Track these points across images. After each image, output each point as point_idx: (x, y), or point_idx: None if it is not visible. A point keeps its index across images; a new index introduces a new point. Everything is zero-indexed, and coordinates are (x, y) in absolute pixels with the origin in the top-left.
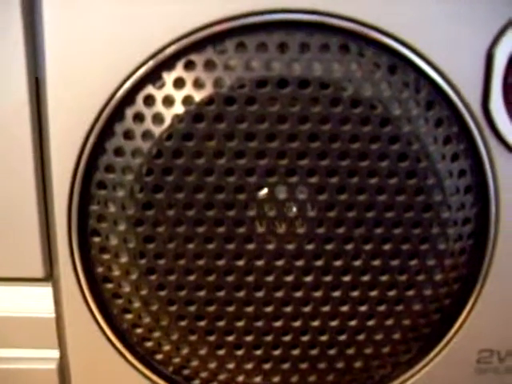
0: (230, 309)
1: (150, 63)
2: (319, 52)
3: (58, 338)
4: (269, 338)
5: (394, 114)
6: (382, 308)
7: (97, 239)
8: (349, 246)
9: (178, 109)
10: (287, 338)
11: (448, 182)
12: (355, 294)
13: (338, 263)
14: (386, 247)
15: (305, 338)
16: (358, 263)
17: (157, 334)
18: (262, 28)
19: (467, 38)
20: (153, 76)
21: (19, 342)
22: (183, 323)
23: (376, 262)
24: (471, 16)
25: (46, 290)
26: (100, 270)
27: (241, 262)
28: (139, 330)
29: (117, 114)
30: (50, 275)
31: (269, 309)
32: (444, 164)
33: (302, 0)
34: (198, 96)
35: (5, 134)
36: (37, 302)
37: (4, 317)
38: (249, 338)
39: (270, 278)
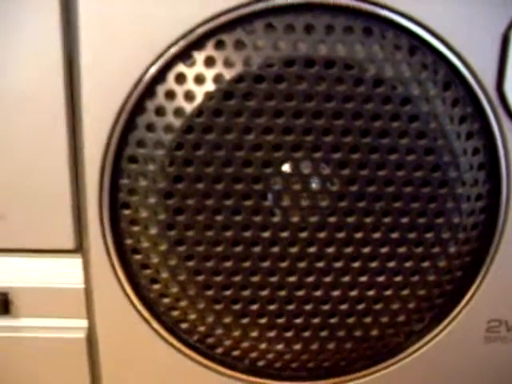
0: (255, 279)
1: (181, 42)
2: (343, 34)
3: (87, 308)
4: (291, 307)
5: (413, 93)
6: (398, 278)
7: (127, 212)
8: (369, 219)
9: (209, 86)
10: (308, 307)
11: (463, 160)
12: (374, 264)
13: (358, 235)
14: (404, 220)
15: (325, 307)
16: (377, 236)
17: (183, 304)
18: (290, 10)
19: (483, 21)
20: (184, 55)
21: (49, 311)
22: (210, 292)
23: (394, 235)
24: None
25: (76, 262)
26: (129, 241)
27: (266, 234)
28: (166, 300)
29: (148, 91)
30: (80, 247)
31: (292, 279)
32: (459, 142)
33: None
34: (228, 74)
35: (39, 111)
36: (66, 272)
37: (34, 287)
38: (272, 307)
39: (293, 250)
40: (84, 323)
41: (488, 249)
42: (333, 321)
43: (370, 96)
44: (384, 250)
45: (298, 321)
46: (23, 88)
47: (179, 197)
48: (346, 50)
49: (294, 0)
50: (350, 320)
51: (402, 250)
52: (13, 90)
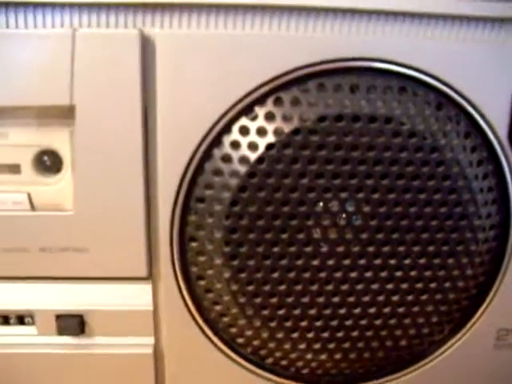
0: (304, 300)
1: (246, 99)
2: (383, 93)
3: (154, 327)
4: (334, 323)
5: (440, 143)
6: (424, 297)
7: (194, 244)
8: (401, 248)
9: (270, 138)
10: (348, 323)
11: (479, 197)
12: (404, 286)
13: (392, 262)
14: (430, 249)
15: (362, 322)
16: (407, 262)
17: (241, 322)
18: (338, 72)
19: (497, 78)
20: (247, 110)
21: (120, 331)
22: (265, 312)
23: (421, 261)
24: (500, 61)
25: (146, 287)
26: (195, 269)
27: (315, 262)
28: (226, 319)
29: (216, 141)
30: (151, 274)
31: (335, 299)
32: (477, 182)
33: (368, 50)
34: (287, 128)
35: (119, 157)
36: (137, 296)
37: (107, 310)
38: (318, 323)
39: (337, 275)
40: (151, 340)
41: (498, 270)
42: (368, 333)
43: (405, 146)
44: (413, 273)
45: (339, 334)
46: (104, 134)
47: (242, 232)
48: (385, 106)
49: (341, 64)
50: (383, 332)
51: (427, 273)
52: (97, 137)
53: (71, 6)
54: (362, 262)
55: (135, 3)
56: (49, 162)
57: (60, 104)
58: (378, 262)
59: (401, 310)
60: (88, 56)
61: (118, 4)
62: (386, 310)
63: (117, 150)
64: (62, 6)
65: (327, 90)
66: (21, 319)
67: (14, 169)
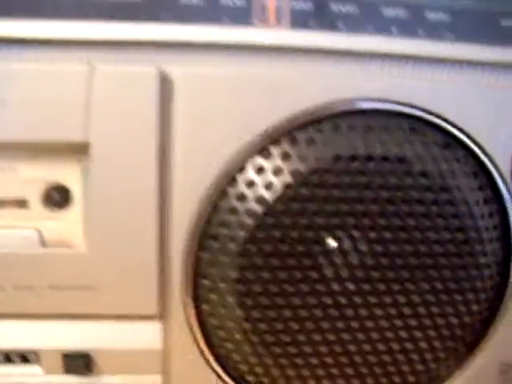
0: (316, 337)
1: (261, 139)
2: (394, 133)
3: (164, 366)
4: (344, 360)
5: (449, 183)
6: (432, 333)
7: (206, 282)
8: (412, 286)
9: (287, 178)
10: (358, 359)
11: (485, 235)
12: (413, 322)
13: (402, 300)
14: (438, 286)
15: (371, 359)
16: (417, 299)
17: (252, 360)
18: (352, 113)
19: (503, 121)
20: (262, 149)
21: (127, 369)
22: (277, 349)
23: (430, 297)
24: (506, 105)
25: (156, 325)
26: (206, 307)
27: (327, 300)
28: (237, 357)
29: (230, 179)
30: (161, 312)
31: (346, 336)
32: (483, 221)
33: (379, 92)
34: (304, 168)
35: (133, 194)
36: (146, 335)
37: (115, 349)
38: (328, 360)
39: (348, 312)
40: (160, 379)
41: (500, 306)
42: (377, 370)
43: (416, 186)
44: (421, 310)
45: (348, 370)
46: (119, 172)
47: (255, 270)
48: (397, 147)
49: (355, 106)
50: (391, 368)
51: (436, 309)
52: (112, 175)
53: (90, 43)
54: (373, 299)
55: (154, 41)
56: (58, 197)
57: (74, 141)
58: (387, 299)
59: (409, 345)
60: (105, 93)
61: (137, 42)
62: (395, 346)
63: (131, 188)
64: (80, 42)
65: (342, 130)
66: (25, 358)
67: (22, 203)
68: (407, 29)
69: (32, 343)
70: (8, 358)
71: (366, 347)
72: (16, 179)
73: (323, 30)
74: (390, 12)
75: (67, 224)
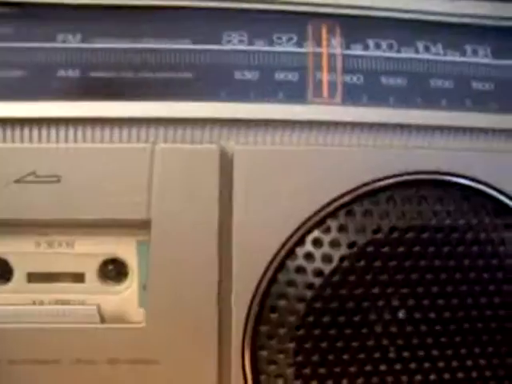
0: None
1: (319, 213)
2: (447, 203)
3: None
4: None
5: (499, 250)
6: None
7: (264, 353)
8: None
9: (344, 250)
10: None
11: None
12: (469, 363)
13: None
14: (479, 325)
15: None
16: (471, 338)
17: None
18: (406, 185)
19: None
20: (320, 222)
21: None
22: None
23: (477, 350)
24: None
25: None
26: (264, 378)
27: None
28: None
29: (290, 252)
30: None
31: None
32: None
33: (430, 163)
34: (360, 240)
35: (193, 269)
36: None
37: None
38: None
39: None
40: None
41: None
42: None
43: (468, 253)
44: (469, 362)
45: None
46: (180, 248)
47: (312, 341)
48: (450, 217)
49: (408, 178)
50: None
51: (482, 361)
52: (172, 251)
53: (149, 121)
54: (421, 353)
55: (213, 119)
56: (114, 271)
57: (136, 218)
58: (436, 353)
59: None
60: (166, 170)
61: (196, 119)
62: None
63: (191, 262)
64: (140, 120)
65: (396, 202)
66: None
67: (79, 278)
68: (455, 99)
69: None
70: None
71: None
72: (73, 254)
73: (374, 105)
74: (438, 83)
75: (122, 298)
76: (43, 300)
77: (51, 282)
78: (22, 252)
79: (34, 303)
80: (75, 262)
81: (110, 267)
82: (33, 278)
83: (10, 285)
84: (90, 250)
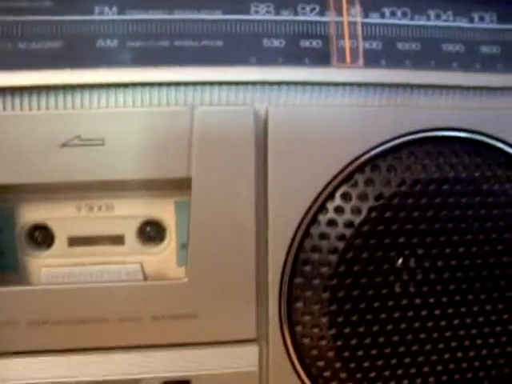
0: (400, 349)
1: (347, 168)
2: (463, 157)
3: None
4: (426, 369)
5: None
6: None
7: (300, 304)
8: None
9: (371, 202)
10: (439, 368)
11: None
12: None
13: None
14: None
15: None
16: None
17: (343, 375)
18: (426, 141)
19: None
20: (348, 178)
21: None
22: (366, 364)
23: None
24: None
25: (253, 348)
26: (299, 328)
27: (409, 313)
28: (327, 374)
29: (321, 208)
30: (259, 336)
31: (428, 347)
32: None
33: (446, 121)
34: (386, 192)
35: (232, 224)
36: (243, 358)
37: (213, 374)
38: (412, 370)
39: (422, 335)
40: None
41: None
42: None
43: (484, 204)
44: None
45: (431, 379)
46: (219, 205)
47: (345, 291)
48: (466, 170)
49: (428, 135)
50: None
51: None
52: (211, 208)
53: (187, 84)
54: (444, 299)
55: (246, 82)
56: (152, 231)
57: (177, 177)
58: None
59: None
60: (204, 131)
61: (230, 82)
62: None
63: (229, 217)
64: (178, 84)
65: (417, 157)
66: None
67: (119, 240)
68: (465, 63)
69: (132, 374)
70: None
71: (447, 356)
72: (112, 217)
73: (392, 67)
74: (449, 48)
75: (160, 258)
76: (84, 263)
77: (92, 245)
78: (63, 217)
79: (75, 266)
80: (115, 224)
81: (149, 228)
82: (74, 242)
83: (52, 250)
84: (129, 213)
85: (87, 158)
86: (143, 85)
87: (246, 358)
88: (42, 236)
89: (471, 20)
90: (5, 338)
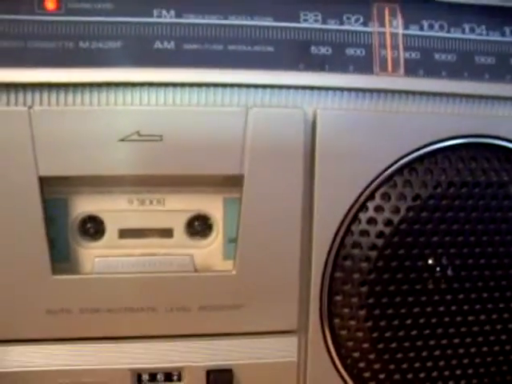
0: (431, 342)
1: (387, 171)
2: (493, 163)
3: (298, 378)
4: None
5: None
6: None
7: (339, 298)
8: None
9: (409, 202)
10: (465, 360)
11: None
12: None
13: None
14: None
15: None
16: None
17: (376, 366)
18: (460, 147)
19: None
20: (388, 179)
21: (267, 381)
22: (399, 355)
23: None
24: None
25: (292, 339)
26: (338, 320)
27: (441, 308)
28: (362, 364)
29: (362, 206)
30: (300, 328)
31: (449, 351)
32: None
33: (479, 128)
34: (423, 193)
35: (279, 220)
36: (283, 349)
37: (255, 363)
38: (441, 363)
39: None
40: None
41: None
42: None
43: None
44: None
45: (457, 371)
46: (268, 201)
47: (383, 285)
48: (496, 175)
49: (461, 141)
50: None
51: None
52: (261, 204)
53: (240, 86)
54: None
55: (296, 86)
56: (200, 226)
57: (231, 174)
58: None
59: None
60: (257, 131)
61: (282, 86)
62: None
63: (278, 213)
64: (232, 85)
65: (452, 161)
66: (168, 376)
67: (168, 233)
68: (496, 73)
69: (176, 362)
70: (153, 376)
71: (473, 350)
72: (163, 211)
73: (430, 77)
74: (482, 60)
75: (209, 250)
76: (134, 254)
77: (142, 238)
78: (115, 209)
79: (125, 256)
80: (165, 218)
81: (197, 223)
82: (124, 233)
83: (102, 241)
84: (179, 207)
85: (144, 153)
86: (200, 85)
87: (285, 348)
88: (93, 227)
89: (503, 34)
90: (58, 325)
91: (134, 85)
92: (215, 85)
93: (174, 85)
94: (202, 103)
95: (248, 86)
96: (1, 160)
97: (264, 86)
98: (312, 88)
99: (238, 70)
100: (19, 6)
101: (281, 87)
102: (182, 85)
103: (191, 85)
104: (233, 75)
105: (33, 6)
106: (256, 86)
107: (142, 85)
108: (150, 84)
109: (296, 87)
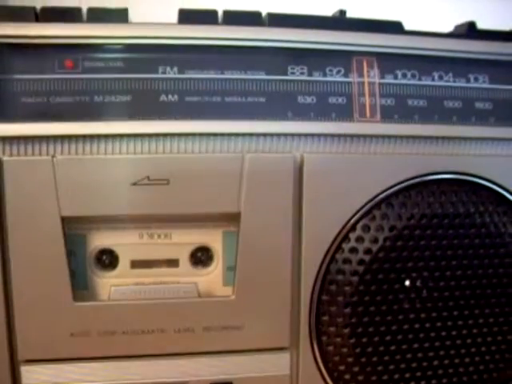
0: (408, 355)
1: (366, 206)
2: (461, 196)
3: None
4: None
5: (501, 231)
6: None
7: (326, 318)
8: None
9: (386, 233)
10: (440, 372)
11: None
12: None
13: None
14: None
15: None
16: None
17: (360, 378)
18: (430, 183)
19: None
20: (367, 213)
21: None
22: (380, 368)
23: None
24: None
25: (285, 355)
26: (325, 338)
27: (417, 326)
28: (347, 376)
29: (344, 237)
30: (291, 344)
31: (424, 364)
32: None
33: (448, 166)
34: (398, 225)
35: (272, 251)
36: (277, 364)
37: (253, 376)
38: (418, 373)
39: (432, 333)
40: None
41: None
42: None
43: (478, 234)
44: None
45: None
46: (262, 235)
47: (364, 306)
48: (463, 207)
49: (433, 178)
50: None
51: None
52: (256, 238)
53: (237, 135)
54: (445, 313)
55: (285, 133)
56: (203, 256)
57: (229, 211)
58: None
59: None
60: (252, 174)
61: (273, 134)
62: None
63: (271, 245)
64: (230, 134)
65: (424, 196)
66: None
67: (174, 263)
68: (463, 116)
69: (182, 376)
70: None
71: (446, 361)
72: (170, 243)
73: (404, 122)
74: (450, 104)
75: (210, 278)
76: (144, 282)
77: (151, 268)
78: (128, 243)
79: (137, 285)
80: (171, 250)
81: (200, 254)
82: (135, 264)
83: (116, 270)
84: (184, 240)
85: (153, 195)
86: (201, 134)
87: (279, 363)
88: (108, 259)
89: (468, 80)
90: (80, 346)
91: (143, 135)
92: (215, 134)
93: (179, 135)
94: (203, 150)
95: (244, 134)
96: (28, 203)
97: (257, 135)
98: (300, 135)
99: (234, 120)
100: (42, 66)
101: (272, 135)
102: (186, 134)
103: (194, 134)
104: (230, 126)
105: (54, 66)
106: (251, 135)
107: (150, 136)
108: (157, 134)
109: (286, 134)
